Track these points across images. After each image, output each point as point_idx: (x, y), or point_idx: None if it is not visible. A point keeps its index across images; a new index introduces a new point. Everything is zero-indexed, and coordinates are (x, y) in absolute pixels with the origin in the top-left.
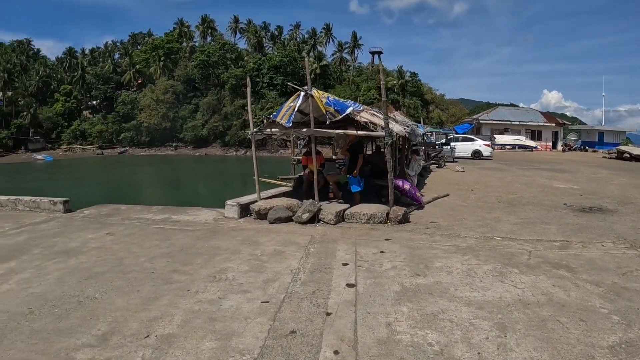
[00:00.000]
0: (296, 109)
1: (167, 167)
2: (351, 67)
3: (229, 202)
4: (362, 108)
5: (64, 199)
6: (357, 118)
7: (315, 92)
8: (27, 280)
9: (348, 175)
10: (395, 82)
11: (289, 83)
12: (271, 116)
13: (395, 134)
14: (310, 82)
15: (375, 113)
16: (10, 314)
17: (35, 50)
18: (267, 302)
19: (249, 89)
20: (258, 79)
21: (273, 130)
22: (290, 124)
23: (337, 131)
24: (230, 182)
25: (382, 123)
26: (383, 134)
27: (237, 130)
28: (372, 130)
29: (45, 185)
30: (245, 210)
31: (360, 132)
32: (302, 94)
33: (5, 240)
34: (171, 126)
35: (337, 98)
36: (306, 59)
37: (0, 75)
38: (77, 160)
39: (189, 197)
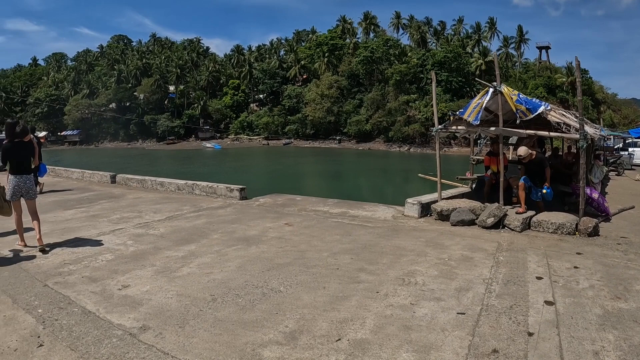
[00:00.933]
0: (484, 106)
1: (331, 159)
2: (517, 63)
3: (409, 200)
4: (550, 107)
5: (241, 186)
6: (549, 118)
7: (504, 89)
8: (208, 265)
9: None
10: (564, 79)
11: (477, 79)
12: (457, 113)
13: (589, 136)
14: (500, 78)
15: (564, 113)
16: (193, 299)
17: (204, 48)
18: (463, 313)
19: (434, 85)
20: (422, 75)
21: (459, 128)
22: (478, 122)
23: (528, 131)
24: (393, 178)
25: (574, 124)
26: (577, 136)
27: (401, 126)
28: (564, 132)
29: (213, 172)
30: (425, 210)
31: (552, 134)
32: (491, 90)
33: (185, 222)
34: (335, 120)
35: (526, 96)
36: (494, 53)
37: (173, 71)
38: (243, 150)
39: (356, 191)
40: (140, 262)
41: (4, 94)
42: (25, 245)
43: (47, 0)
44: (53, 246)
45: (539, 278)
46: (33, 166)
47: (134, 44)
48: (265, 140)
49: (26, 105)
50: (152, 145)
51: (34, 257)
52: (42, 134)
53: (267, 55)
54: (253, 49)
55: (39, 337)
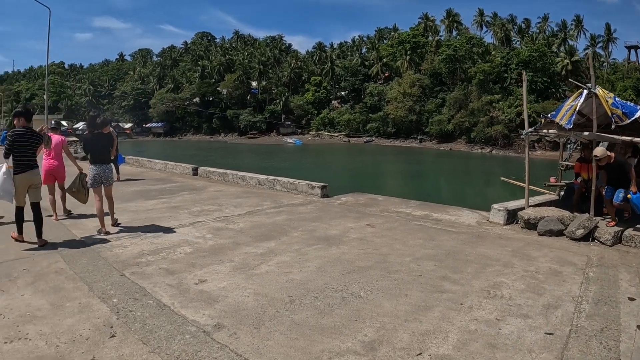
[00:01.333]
0: (577, 110)
1: (412, 159)
2: (605, 64)
3: (495, 206)
4: None
5: (322, 183)
6: None
7: (599, 91)
8: (287, 264)
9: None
10: None
11: (570, 79)
12: (549, 115)
13: None
14: (595, 80)
15: None
16: (270, 299)
17: (286, 45)
18: (552, 334)
19: (524, 85)
20: (506, 75)
21: (550, 131)
22: (571, 126)
23: (624, 137)
24: (475, 181)
25: None
26: None
27: (484, 127)
28: None
29: (293, 167)
30: (511, 217)
31: None
32: (585, 92)
33: (265, 218)
34: (417, 119)
35: (622, 99)
36: (589, 52)
37: (256, 67)
38: (324, 146)
39: (437, 193)
40: (218, 257)
41: (92, 87)
42: (107, 233)
43: None
44: (133, 235)
45: (632, 299)
46: (112, 157)
47: (217, 40)
48: (346, 138)
49: (113, 98)
50: (234, 139)
51: (113, 245)
52: (128, 125)
53: (349, 53)
54: (335, 46)
55: (111, 327)
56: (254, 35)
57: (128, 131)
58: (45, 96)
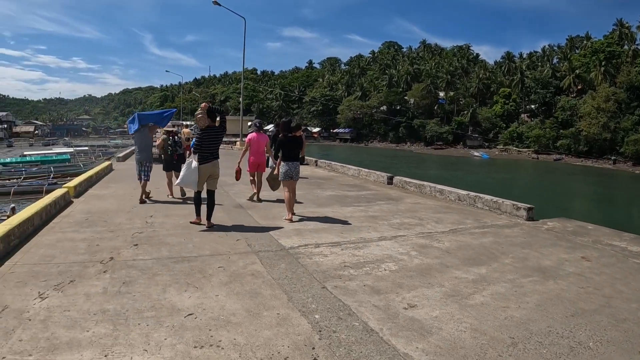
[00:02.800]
0: None
1: (605, 182)
2: None
3: None
4: None
5: (529, 205)
6: None
7: None
8: (503, 297)
9: None
10: None
11: None
12: None
13: None
14: None
15: None
16: (489, 339)
17: (474, 54)
18: None
19: None
20: None
21: None
22: None
23: None
24: None
25: None
26: None
27: None
28: None
29: (479, 180)
30: None
31: None
32: None
33: (470, 238)
34: (611, 137)
35: None
36: None
37: (443, 77)
38: (511, 162)
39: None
40: (426, 279)
41: (282, 92)
42: (291, 221)
43: (320, 10)
44: (332, 244)
45: None
46: (301, 156)
47: (404, 49)
48: (535, 154)
49: (302, 103)
50: (420, 149)
51: (312, 252)
52: (316, 129)
53: (539, 63)
54: (524, 56)
55: (313, 348)
56: (441, 44)
57: (316, 135)
58: (240, 98)
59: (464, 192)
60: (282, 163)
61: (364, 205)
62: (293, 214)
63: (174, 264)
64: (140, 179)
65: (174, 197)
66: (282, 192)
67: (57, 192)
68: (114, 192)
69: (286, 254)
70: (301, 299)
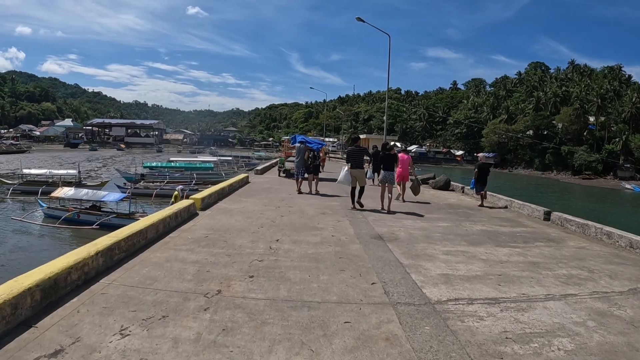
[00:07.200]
0: None
1: None
2: None
3: None
4: None
5: None
6: None
7: None
8: None
9: None
10: None
11: None
12: None
13: None
14: None
15: None
16: None
17: (626, 76)
18: None
19: None
20: None
21: None
22: None
23: None
24: None
25: None
26: None
27: None
28: None
29: (628, 217)
30: None
31: None
32: None
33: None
34: None
35: None
36: None
37: (593, 101)
38: None
39: None
40: None
41: (427, 113)
42: (388, 212)
43: (465, 30)
44: (489, 301)
45: None
46: (395, 168)
47: (551, 71)
48: None
49: (446, 124)
50: (567, 178)
51: (464, 312)
52: (459, 152)
53: None
54: None
55: None
56: (590, 65)
57: (459, 158)
58: (384, 117)
59: (637, 238)
60: (382, 172)
61: (520, 246)
62: (382, 208)
63: (290, 310)
64: (297, 178)
65: (312, 193)
66: (428, 222)
67: (182, 204)
68: (244, 208)
69: (432, 311)
70: None
